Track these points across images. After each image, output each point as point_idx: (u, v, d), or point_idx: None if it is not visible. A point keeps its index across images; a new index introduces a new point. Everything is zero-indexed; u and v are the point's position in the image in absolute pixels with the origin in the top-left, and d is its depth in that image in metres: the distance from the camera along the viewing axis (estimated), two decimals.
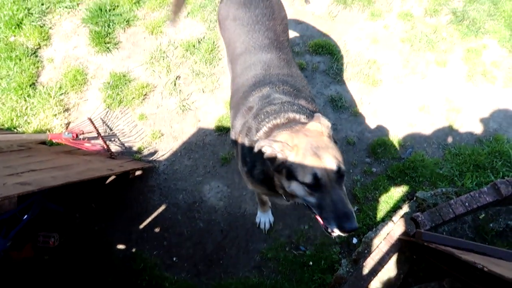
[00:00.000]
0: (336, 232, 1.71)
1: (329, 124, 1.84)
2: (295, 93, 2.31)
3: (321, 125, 1.81)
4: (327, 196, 1.69)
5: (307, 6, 4.20)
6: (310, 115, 2.08)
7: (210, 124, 3.54)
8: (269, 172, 1.94)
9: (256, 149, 1.83)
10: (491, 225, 2.91)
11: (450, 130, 3.61)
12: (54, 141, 3.28)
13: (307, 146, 1.72)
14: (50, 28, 3.96)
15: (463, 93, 3.78)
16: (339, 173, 1.70)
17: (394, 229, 2.76)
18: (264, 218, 3.11)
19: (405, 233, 2.72)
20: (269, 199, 2.92)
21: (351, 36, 4.04)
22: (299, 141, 1.75)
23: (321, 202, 1.72)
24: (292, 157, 1.74)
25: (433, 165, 3.36)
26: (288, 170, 1.76)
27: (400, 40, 4.03)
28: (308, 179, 1.69)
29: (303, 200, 1.81)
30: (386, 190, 3.25)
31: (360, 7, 4.21)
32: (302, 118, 2.03)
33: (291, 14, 4.10)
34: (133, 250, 3.07)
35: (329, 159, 1.69)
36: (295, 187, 1.78)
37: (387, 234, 2.77)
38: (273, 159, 1.79)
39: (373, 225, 3.05)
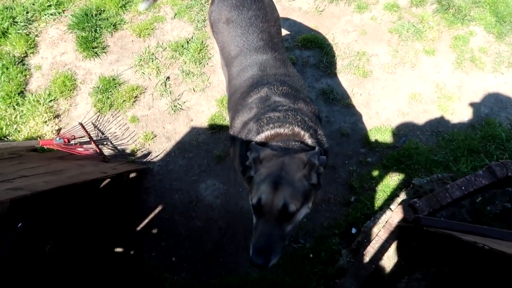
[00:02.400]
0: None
1: (316, 163, 1.79)
2: (294, 94, 2.30)
3: (307, 162, 1.78)
4: (261, 224, 1.72)
5: (294, 1, 4.21)
6: (314, 132, 2.09)
7: (203, 123, 3.52)
8: None
9: (248, 151, 1.87)
10: (488, 208, 2.91)
11: (442, 117, 3.62)
12: (45, 147, 3.24)
13: (274, 173, 1.72)
14: (36, 36, 3.92)
15: (453, 80, 3.80)
16: (283, 212, 1.68)
17: (393, 216, 2.76)
18: None
19: (403, 220, 2.71)
20: None
21: (339, 29, 4.05)
22: (273, 164, 1.76)
23: (256, 226, 1.76)
24: (257, 174, 1.78)
25: (427, 152, 3.37)
26: (251, 183, 1.80)
27: (388, 30, 4.04)
28: (254, 200, 1.73)
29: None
30: (382, 179, 3.24)
31: (346, 0, 4.22)
32: (306, 136, 2.01)
33: (278, 10, 4.10)
34: (131, 252, 3.04)
35: (280, 194, 1.67)
36: (249, 202, 1.83)
37: (386, 222, 2.76)
38: (249, 167, 1.84)
39: (371, 214, 3.04)
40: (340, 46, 3.94)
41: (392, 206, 2.95)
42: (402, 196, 3.02)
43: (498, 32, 4.03)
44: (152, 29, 3.97)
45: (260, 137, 2.01)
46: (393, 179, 3.26)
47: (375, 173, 3.27)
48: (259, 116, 2.14)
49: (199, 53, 3.79)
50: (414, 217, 2.63)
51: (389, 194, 3.18)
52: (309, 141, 2.01)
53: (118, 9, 4.04)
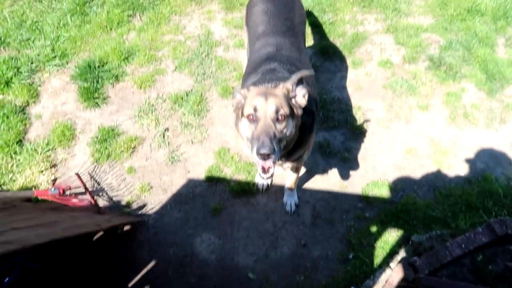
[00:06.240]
0: (258, 163, 2.08)
1: (290, 87, 2.15)
2: None
3: (283, 85, 2.15)
4: (259, 127, 2.02)
5: None
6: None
7: (200, 175, 3.51)
8: None
9: (232, 99, 2.28)
10: (490, 267, 2.85)
11: (438, 172, 3.64)
12: (40, 197, 3.20)
13: (260, 91, 2.12)
14: (39, 85, 4.01)
15: (447, 135, 3.86)
16: (276, 113, 2.03)
17: (393, 275, 2.68)
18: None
19: (404, 279, 2.64)
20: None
21: (334, 84, 4.17)
22: (256, 88, 2.17)
23: (253, 132, 2.05)
24: (245, 98, 2.16)
25: (425, 207, 3.35)
26: (242, 108, 2.15)
27: (382, 86, 4.16)
28: (248, 109, 2.08)
29: (246, 143, 2.17)
30: (380, 235, 3.19)
31: (342, 57, 4.38)
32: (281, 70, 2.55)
33: None
34: None
35: (271, 101, 2.04)
36: (242, 124, 2.16)
37: (386, 281, 2.68)
38: (238, 104, 2.22)
39: (370, 272, 2.96)
40: (336, 100, 4.03)
41: (391, 264, 2.89)
42: (402, 253, 2.96)
43: (488, 89, 4.16)
44: (153, 81, 4.07)
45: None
46: (391, 235, 3.20)
47: (373, 228, 3.23)
48: (258, 80, 2.47)
49: (198, 105, 3.86)
50: (415, 277, 2.56)
51: (388, 251, 3.11)
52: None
53: (121, 61, 4.17)
